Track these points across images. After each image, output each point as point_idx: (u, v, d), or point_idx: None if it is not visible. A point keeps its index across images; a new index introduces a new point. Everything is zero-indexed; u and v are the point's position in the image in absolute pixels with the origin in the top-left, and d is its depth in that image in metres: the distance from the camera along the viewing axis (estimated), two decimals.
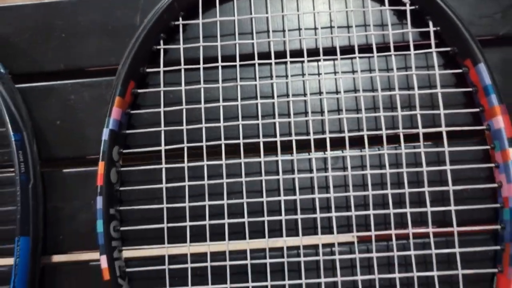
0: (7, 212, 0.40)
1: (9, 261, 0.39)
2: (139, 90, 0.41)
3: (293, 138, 0.40)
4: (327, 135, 0.40)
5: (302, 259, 0.38)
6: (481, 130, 0.40)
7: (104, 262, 0.37)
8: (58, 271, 0.42)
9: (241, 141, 0.40)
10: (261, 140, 0.40)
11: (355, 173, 0.40)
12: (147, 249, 0.39)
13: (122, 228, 0.39)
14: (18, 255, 0.37)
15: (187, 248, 0.39)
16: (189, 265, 0.38)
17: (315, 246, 0.39)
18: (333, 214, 0.39)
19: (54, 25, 0.44)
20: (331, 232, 0.39)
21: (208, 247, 0.39)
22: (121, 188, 0.40)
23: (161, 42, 0.42)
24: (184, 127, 0.40)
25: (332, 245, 0.39)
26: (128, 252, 0.40)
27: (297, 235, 0.39)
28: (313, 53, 0.41)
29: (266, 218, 0.39)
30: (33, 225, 0.38)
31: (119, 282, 0.37)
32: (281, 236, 0.39)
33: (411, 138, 0.40)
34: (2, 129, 0.40)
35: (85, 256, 0.42)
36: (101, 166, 0.38)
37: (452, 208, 0.38)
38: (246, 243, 0.39)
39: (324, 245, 0.39)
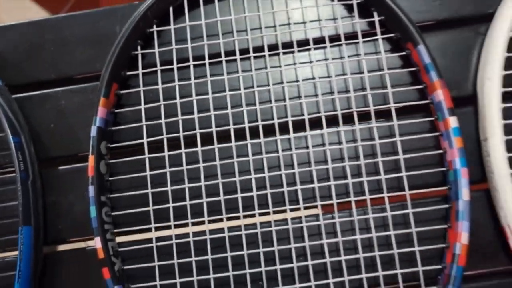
0: (11, 207, 0.45)
1: (16, 252, 0.44)
2: (122, 91, 0.47)
3: (260, 123, 0.45)
4: (289, 119, 0.45)
5: (273, 228, 0.43)
6: (426, 104, 0.45)
7: (98, 243, 0.42)
8: (58, 258, 0.46)
9: (213, 129, 0.45)
10: (232, 127, 0.45)
11: (317, 150, 0.45)
12: (136, 230, 0.44)
13: (113, 213, 0.44)
14: (22, 243, 0.42)
15: (172, 226, 0.43)
16: (173, 242, 0.43)
17: (285, 218, 0.44)
18: (298, 187, 0.44)
19: (44, 40, 0.49)
20: (298, 203, 0.44)
21: (190, 224, 0.43)
22: (110, 178, 0.45)
23: (139, 47, 0.47)
24: (163, 120, 0.45)
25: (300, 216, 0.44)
26: (121, 236, 0.45)
27: (268, 208, 0.43)
28: (273, 47, 0.46)
29: (239, 195, 0.44)
30: (34, 216, 0.43)
31: (113, 260, 0.42)
32: (254, 210, 0.44)
33: (365, 117, 0.45)
34: (2, 134, 0.45)
35: (82, 243, 0.47)
36: (91, 159, 0.43)
37: (404, 174, 0.43)
38: (223, 219, 0.44)
39: (293, 218, 0.44)
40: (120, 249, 0.44)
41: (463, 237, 0.40)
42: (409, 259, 0.43)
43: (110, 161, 0.46)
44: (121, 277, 0.42)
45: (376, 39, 0.46)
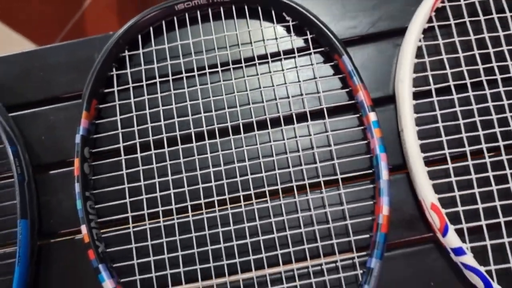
0: (11, 206, 0.54)
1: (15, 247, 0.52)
2: (100, 106, 0.56)
3: (216, 126, 0.54)
4: (240, 121, 0.54)
5: (229, 212, 0.52)
6: (353, 104, 0.55)
7: (84, 230, 0.50)
8: (51, 248, 0.54)
9: (177, 133, 0.54)
10: (193, 131, 0.54)
11: (264, 146, 0.54)
12: (116, 219, 0.53)
13: (96, 206, 0.53)
14: (20, 233, 0.51)
15: (145, 214, 0.52)
16: (147, 227, 0.52)
17: (240, 201, 0.53)
18: (249, 176, 0.53)
19: (33, 67, 0.59)
20: (250, 190, 0.52)
21: (160, 212, 0.52)
22: (93, 177, 0.54)
23: (114, 69, 0.56)
24: (136, 128, 0.54)
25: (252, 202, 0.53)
26: (103, 224, 0.53)
27: (225, 195, 0.52)
28: (226, 63, 0.56)
29: (201, 186, 0.53)
30: (30, 211, 0.52)
31: (97, 243, 0.50)
32: (214, 197, 0.52)
33: (303, 118, 0.55)
34: (1, 145, 0.54)
35: (71, 235, 0.55)
36: (76, 162, 0.52)
37: (336, 162, 0.53)
38: (188, 205, 0.52)
39: (246, 205, 0.53)
40: (103, 236, 0.53)
41: (384, 210, 0.49)
42: (345, 232, 0.52)
43: (93, 163, 0.54)
44: (104, 258, 0.51)
45: (310, 53, 0.56)
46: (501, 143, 0.52)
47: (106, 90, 0.56)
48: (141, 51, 0.56)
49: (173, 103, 0.55)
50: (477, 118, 0.53)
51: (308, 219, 0.52)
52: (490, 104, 0.53)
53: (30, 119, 0.57)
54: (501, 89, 0.53)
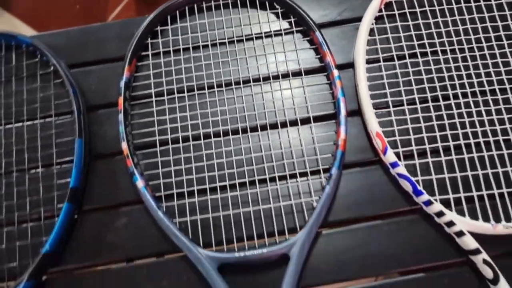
0: (71, 130, 0.73)
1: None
2: (138, 63, 0.76)
3: (224, 89, 0.75)
4: (240, 77, 0.75)
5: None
6: (322, 66, 0.75)
7: (124, 145, 0.69)
8: (98, 164, 0.73)
9: (194, 83, 0.74)
10: (205, 82, 0.75)
11: (256, 96, 0.74)
12: (146, 142, 0.72)
13: (132, 132, 0.72)
14: (77, 148, 0.70)
15: (168, 138, 0.72)
16: (170, 146, 0.71)
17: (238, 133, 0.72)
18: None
19: (89, 38, 0.80)
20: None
21: (180, 136, 0.72)
22: (131, 112, 0.74)
23: (149, 39, 0.77)
24: (164, 79, 0.75)
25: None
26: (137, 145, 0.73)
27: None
28: (231, 38, 0.77)
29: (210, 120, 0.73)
30: (84, 133, 0.71)
31: (133, 156, 0.69)
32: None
33: (286, 76, 0.75)
34: (64, 89, 0.74)
35: (113, 156, 0.74)
36: (120, 100, 0.72)
37: (309, 104, 0.73)
38: (199, 122, 0.72)
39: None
40: (136, 152, 0.72)
41: (342, 135, 0.68)
42: (314, 153, 0.71)
43: (131, 102, 0.74)
44: (137, 166, 0.69)
45: (292, 32, 0.77)
46: (428, 94, 0.72)
47: (143, 53, 0.77)
48: (169, 27, 0.78)
49: (192, 63, 0.75)
50: (411, 77, 0.73)
51: (287, 144, 0.71)
52: (422, 68, 0.73)
53: (85, 74, 0.78)
54: (430, 57, 0.74)
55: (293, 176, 0.69)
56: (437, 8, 0.77)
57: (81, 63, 0.78)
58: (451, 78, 0.72)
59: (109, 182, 0.71)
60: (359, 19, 0.78)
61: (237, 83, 0.74)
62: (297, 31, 0.77)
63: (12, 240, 0.68)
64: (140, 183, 0.67)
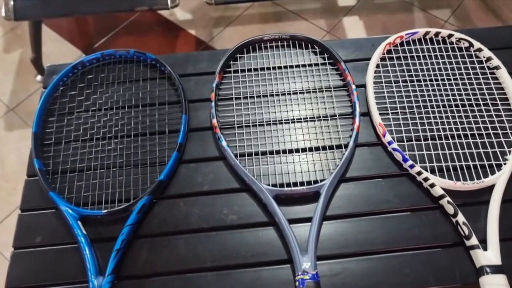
0: (178, 114, 1.11)
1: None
2: (224, 75, 1.17)
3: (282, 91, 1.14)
4: (290, 89, 1.15)
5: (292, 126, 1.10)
6: (345, 84, 1.15)
7: (214, 121, 1.08)
8: (194, 135, 1.11)
9: (261, 92, 1.14)
10: (268, 91, 1.14)
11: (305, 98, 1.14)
12: (227, 122, 1.10)
13: (219, 115, 1.11)
14: (183, 122, 1.08)
15: (242, 120, 1.10)
16: (235, 128, 1.10)
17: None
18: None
19: (188, 59, 1.22)
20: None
21: (250, 119, 1.10)
22: (218, 103, 1.13)
23: (231, 62, 1.18)
24: (240, 86, 1.15)
25: None
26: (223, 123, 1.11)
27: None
28: (285, 67, 1.19)
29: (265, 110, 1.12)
30: (186, 112, 1.09)
31: (219, 126, 1.08)
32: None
33: (321, 91, 1.15)
34: (175, 86, 1.14)
35: (204, 130, 1.12)
36: (212, 95, 1.11)
37: (335, 106, 1.12)
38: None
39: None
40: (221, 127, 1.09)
41: (356, 122, 1.06)
42: (337, 130, 1.08)
43: (218, 101, 1.13)
44: (221, 133, 1.07)
45: (325, 63, 1.18)
46: (414, 104, 1.11)
47: (226, 69, 1.17)
48: (245, 55, 1.19)
49: (259, 78, 1.16)
50: (403, 93, 1.11)
51: (326, 129, 1.09)
52: (410, 89, 1.12)
53: (187, 80, 1.16)
54: (416, 83, 1.14)
55: (324, 148, 1.06)
56: (421, 54, 1.18)
57: (185, 74, 1.18)
58: (429, 96, 1.11)
59: (200, 144, 1.08)
60: (368, 59, 1.18)
61: (285, 94, 1.14)
62: (328, 63, 1.18)
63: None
64: (224, 143, 1.04)
